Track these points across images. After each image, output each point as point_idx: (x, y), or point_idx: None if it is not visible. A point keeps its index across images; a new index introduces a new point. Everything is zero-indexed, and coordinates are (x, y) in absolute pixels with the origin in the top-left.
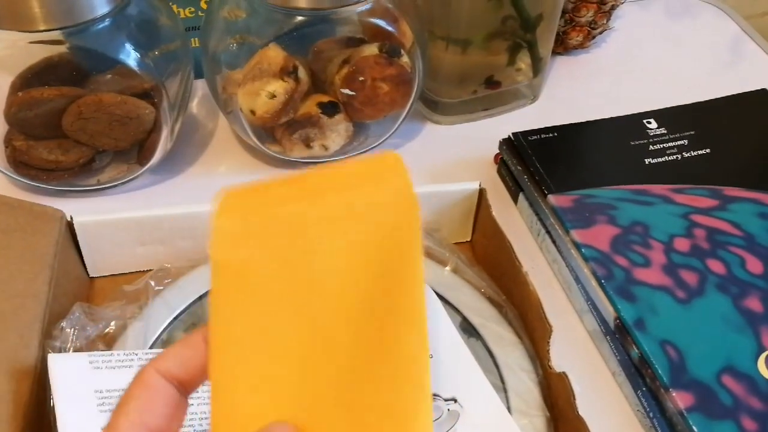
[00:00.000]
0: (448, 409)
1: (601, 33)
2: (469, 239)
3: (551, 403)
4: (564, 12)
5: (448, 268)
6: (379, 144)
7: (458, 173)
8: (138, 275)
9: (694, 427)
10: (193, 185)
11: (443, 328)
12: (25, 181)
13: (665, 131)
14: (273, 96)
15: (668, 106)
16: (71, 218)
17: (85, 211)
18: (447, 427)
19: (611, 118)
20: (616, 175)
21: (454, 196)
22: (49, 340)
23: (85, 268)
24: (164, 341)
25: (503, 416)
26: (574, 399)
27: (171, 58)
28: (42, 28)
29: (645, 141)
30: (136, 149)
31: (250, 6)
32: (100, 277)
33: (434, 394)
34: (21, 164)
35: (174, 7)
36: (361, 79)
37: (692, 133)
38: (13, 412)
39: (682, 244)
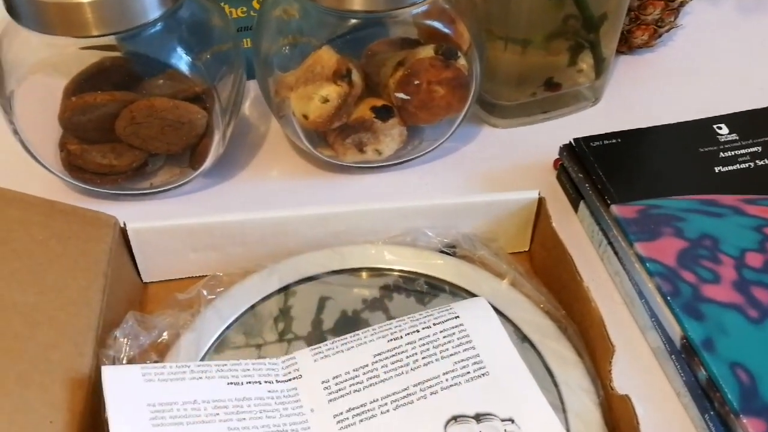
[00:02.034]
0: (506, 430)
1: (668, 31)
2: (526, 249)
3: (612, 426)
4: (629, 10)
5: (505, 281)
6: (434, 148)
7: (515, 179)
8: (191, 281)
9: None
10: (246, 189)
11: (500, 345)
12: (79, 184)
13: (737, 137)
14: (326, 100)
15: (740, 110)
16: (124, 224)
17: (137, 215)
18: None
19: (678, 123)
20: (683, 185)
21: (512, 205)
22: (103, 349)
23: (138, 274)
24: (221, 350)
25: None
26: (638, 423)
27: (223, 60)
28: (94, 33)
29: (715, 148)
30: (189, 153)
31: (302, 8)
32: (154, 282)
33: (491, 414)
34: (75, 168)
35: (226, 7)
36: (416, 82)
37: (766, 139)
38: (68, 420)
39: (754, 260)
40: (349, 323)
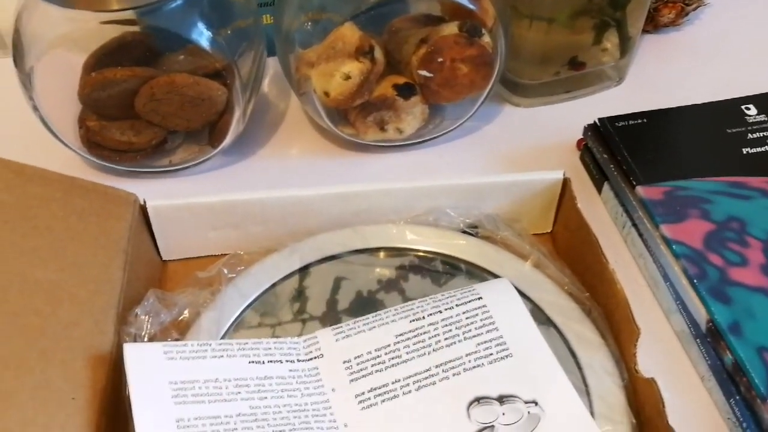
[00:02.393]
0: (529, 412)
1: (695, 9)
2: (549, 230)
3: (637, 409)
4: None
5: (528, 262)
6: (455, 127)
7: (538, 159)
8: (211, 259)
9: None
10: (265, 167)
11: (523, 326)
12: (98, 161)
13: (766, 118)
14: (348, 77)
15: None
16: (144, 202)
17: (156, 192)
18: (527, 431)
19: (705, 104)
20: (710, 166)
21: (536, 185)
22: (124, 326)
23: (158, 251)
24: (237, 329)
25: (586, 421)
26: (664, 407)
27: (243, 37)
28: (115, 7)
29: (743, 129)
30: (208, 130)
31: None
32: (173, 260)
33: (514, 396)
34: (94, 144)
35: None
36: (439, 59)
37: None
38: (90, 397)
39: None
40: (364, 304)
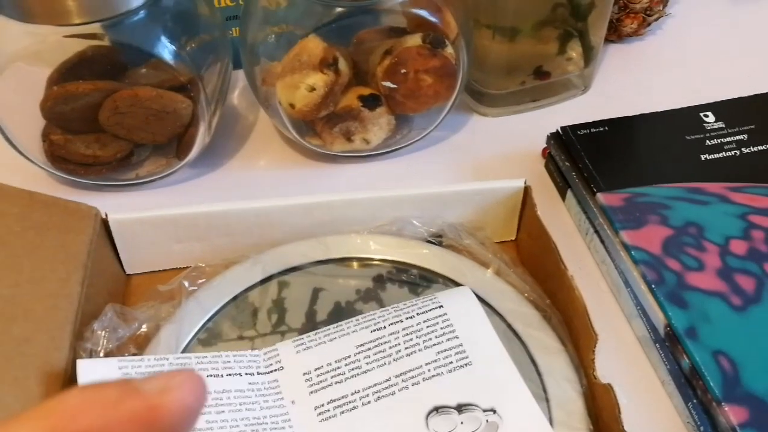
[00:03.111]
0: (487, 420)
1: (657, 20)
2: (513, 238)
3: (596, 414)
4: None
5: (490, 270)
6: (422, 137)
7: (505, 167)
8: (176, 272)
9: None
10: (233, 179)
11: (484, 334)
12: (63, 175)
13: (723, 125)
14: (312, 89)
15: (728, 98)
16: (106, 215)
17: (123, 206)
18: None
19: (666, 111)
20: (669, 173)
21: (499, 193)
22: (80, 342)
23: (122, 265)
24: (198, 343)
25: (545, 428)
26: (620, 413)
27: (209, 50)
28: (76, 21)
29: (701, 136)
30: (175, 143)
31: None
32: (138, 274)
33: (473, 404)
34: (59, 159)
35: None
36: (403, 71)
37: (752, 127)
38: None
39: (738, 247)
40: (342, 314)
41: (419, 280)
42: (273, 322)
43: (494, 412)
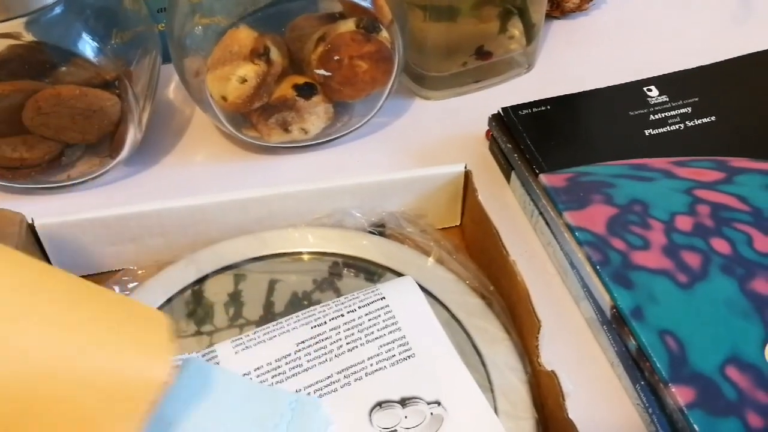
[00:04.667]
0: (431, 413)
1: None
2: (458, 224)
3: (541, 403)
4: None
5: (431, 258)
6: (362, 124)
7: (449, 151)
8: (110, 275)
9: (695, 425)
10: (170, 176)
11: (427, 325)
12: None
13: (667, 99)
14: (244, 80)
15: (671, 71)
16: (32, 220)
17: (55, 209)
18: None
19: (609, 87)
20: (613, 150)
21: (440, 179)
22: None
23: None
24: None
25: (490, 419)
26: (564, 400)
27: (135, 45)
28: None
29: (645, 110)
30: (108, 142)
31: None
32: None
33: (416, 398)
34: None
35: None
36: (336, 58)
37: (696, 100)
38: None
39: (684, 223)
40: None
41: (360, 273)
42: (230, 315)
43: (439, 404)
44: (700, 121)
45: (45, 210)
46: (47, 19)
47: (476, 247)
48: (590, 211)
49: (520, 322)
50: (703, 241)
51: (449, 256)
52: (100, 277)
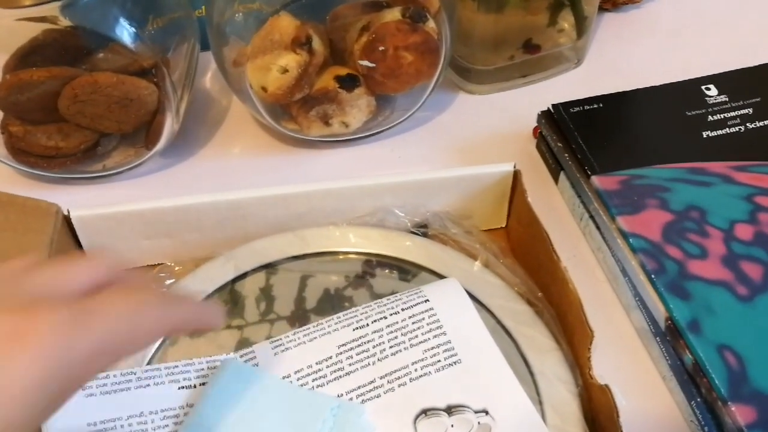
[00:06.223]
0: (479, 422)
1: None
2: (503, 225)
3: (592, 417)
4: None
5: (478, 262)
6: (405, 118)
7: (493, 149)
8: (147, 270)
9: None
10: (207, 169)
11: (473, 330)
12: (25, 169)
13: (726, 99)
14: (285, 70)
15: (730, 69)
16: (68, 212)
17: (90, 200)
18: None
19: (664, 85)
20: (669, 152)
21: (487, 179)
22: None
23: None
24: (167, 350)
25: (540, 429)
26: (618, 416)
27: (173, 31)
28: (26, 3)
29: (703, 111)
30: (143, 132)
31: None
32: None
33: (463, 405)
34: (19, 151)
35: None
36: (381, 48)
37: (758, 100)
38: None
39: (744, 232)
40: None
41: (402, 275)
42: (261, 311)
43: (486, 413)
44: (762, 123)
45: (79, 200)
46: (84, 3)
47: (522, 251)
48: (645, 216)
49: (570, 332)
50: (764, 251)
51: (496, 259)
52: (137, 271)
